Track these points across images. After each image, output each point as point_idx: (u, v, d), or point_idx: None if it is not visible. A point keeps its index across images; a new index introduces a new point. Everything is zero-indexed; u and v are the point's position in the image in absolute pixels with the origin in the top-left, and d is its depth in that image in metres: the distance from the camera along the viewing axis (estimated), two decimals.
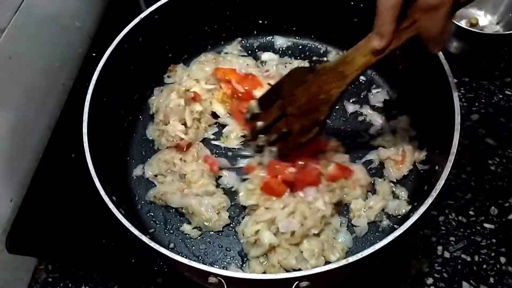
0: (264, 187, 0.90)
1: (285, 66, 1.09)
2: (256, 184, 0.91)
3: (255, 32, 1.16)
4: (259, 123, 0.90)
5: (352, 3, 1.03)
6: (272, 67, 1.08)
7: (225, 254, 0.90)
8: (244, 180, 0.95)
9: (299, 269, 0.83)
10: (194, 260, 0.71)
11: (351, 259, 0.69)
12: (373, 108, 1.05)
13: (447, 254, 0.96)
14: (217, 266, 0.88)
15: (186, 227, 0.93)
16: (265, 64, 1.11)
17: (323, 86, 0.80)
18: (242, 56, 1.13)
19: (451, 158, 0.78)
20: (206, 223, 0.91)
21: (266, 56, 1.14)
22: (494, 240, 0.97)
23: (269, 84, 1.00)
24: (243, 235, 0.89)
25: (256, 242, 0.87)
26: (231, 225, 0.92)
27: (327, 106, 0.81)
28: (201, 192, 0.92)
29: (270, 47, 1.16)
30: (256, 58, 1.13)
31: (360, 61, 0.76)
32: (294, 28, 1.15)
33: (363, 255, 0.69)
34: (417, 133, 0.98)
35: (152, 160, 0.99)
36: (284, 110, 0.86)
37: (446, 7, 0.66)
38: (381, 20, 0.71)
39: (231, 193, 0.95)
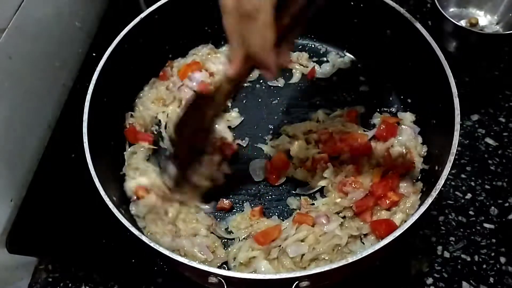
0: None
1: None
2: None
3: None
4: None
5: (352, 3, 1.03)
6: None
7: None
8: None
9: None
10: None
11: (351, 259, 0.69)
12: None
13: (447, 254, 0.96)
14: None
15: None
16: None
17: (205, 110, 0.81)
18: None
19: (451, 158, 0.78)
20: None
21: None
22: (494, 240, 0.97)
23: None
24: (234, 259, 0.87)
25: (248, 266, 0.86)
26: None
27: (203, 132, 0.86)
28: (193, 233, 0.90)
29: None
30: None
31: (225, 87, 0.77)
32: None
33: (363, 255, 0.70)
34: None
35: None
36: (181, 138, 0.87)
37: (265, 13, 0.59)
38: (230, 46, 0.68)
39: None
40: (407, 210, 0.89)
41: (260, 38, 0.62)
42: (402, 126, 0.99)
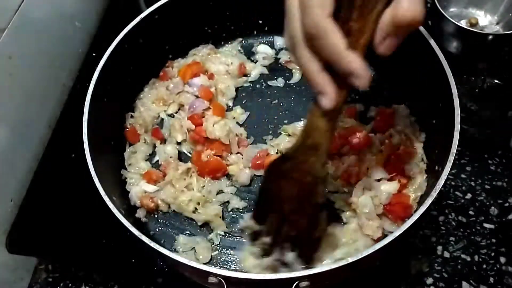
0: None
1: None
2: None
3: (255, 32, 1.16)
4: (266, 240, 0.79)
5: None
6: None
7: None
8: None
9: None
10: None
11: (351, 259, 0.69)
12: None
13: (447, 254, 0.96)
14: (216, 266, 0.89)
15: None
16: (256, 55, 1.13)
17: (304, 167, 0.70)
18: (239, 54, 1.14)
19: (451, 158, 0.78)
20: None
21: (261, 48, 1.15)
22: (494, 240, 0.97)
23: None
24: None
25: None
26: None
27: (320, 185, 0.72)
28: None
29: (270, 47, 1.16)
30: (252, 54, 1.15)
31: (322, 124, 0.67)
32: None
33: (363, 255, 0.69)
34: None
35: None
36: (281, 213, 0.75)
37: (323, 28, 0.58)
38: (315, 82, 0.63)
39: None
40: (415, 191, 0.88)
41: (331, 47, 0.59)
42: (398, 114, 0.99)
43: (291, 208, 0.74)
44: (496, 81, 1.16)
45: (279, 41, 1.16)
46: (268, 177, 0.77)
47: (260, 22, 1.14)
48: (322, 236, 0.78)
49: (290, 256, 0.77)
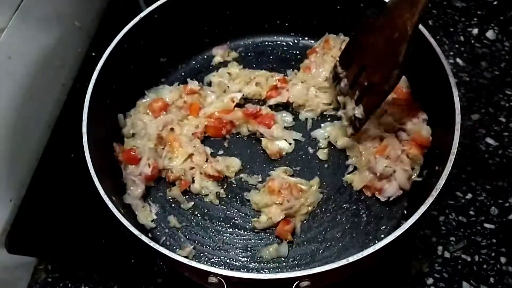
0: None
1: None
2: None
3: (257, 31, 1.16)
4: (342, 84, 0.88)
5: (361, 4, 1.02)
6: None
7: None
8: None
9: None
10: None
11: (351, 259, 0.69)
12: None
13: (447, 254, 0.96)
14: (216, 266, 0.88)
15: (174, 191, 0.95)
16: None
17: (396, 22, 0.77)
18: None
19: (451, 158, 0.78)
20: None
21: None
22: (494, 240, 0.97)
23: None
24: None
25: None
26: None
27: (404, 44, 0.77)
28: None
29: (273, 47, 1.16)
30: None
31: None
32: (297, 29, 1.15)
33: (363, 255, 0.69)
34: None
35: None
36: (363, 62, 0.83)
37: None
38: None
39: None
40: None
41: None
42: None
43: (373, 59, 0.81)
44: None
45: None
46: (363, 28, 0.83)
47: (261, 21, 1.14)
48: (390, 91, 0.83)
49: (357, 110, 0.87)
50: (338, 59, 0.89)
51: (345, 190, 0.95)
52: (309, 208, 0.92)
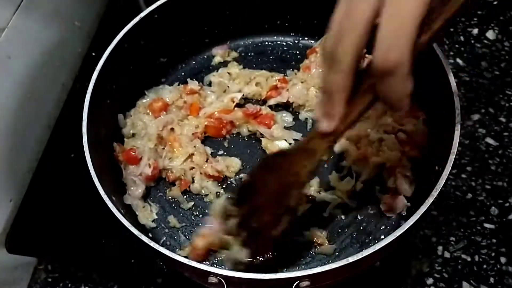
0: None
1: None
2: None
3: (257, 31, 1.16)
4: (230, 223, 0.79)
5: None
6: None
7: None
8: None
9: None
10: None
11: (351, 259, 0.69)
12: None
13: (447, 254, 0.96)
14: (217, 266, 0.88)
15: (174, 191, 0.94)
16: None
17: (293, 167, 0.72)
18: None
19: (451, 158, 0.77)
20: None
21: None
22: (494, 240, 0.97)
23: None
24: None
25: None
26: None
27: (297, 190, 0.74)
28: None
29: (273, 47, 1.16)
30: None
31: (322, 144, 0.69)
32: (297, 29, 1.15)
33: (363, 255, 0.69)
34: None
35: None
36: (256, 203, 0.76)
37: (404, 67, 0.54)
38: (331, 102, 0.61)
39: None
40: None
41: (398, 91, 0.57)
42: None
43: (266, 200, 0.75)
44: None
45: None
46: (258, 167, 0.78)
47: (261, 21, 1.14)
48: (276, 237, 0.76)
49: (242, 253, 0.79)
50: (231, 196, 0.81)
51: None
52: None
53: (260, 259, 0.84)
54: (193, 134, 0.99)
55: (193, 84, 1.06)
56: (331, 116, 0.62)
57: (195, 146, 0.97)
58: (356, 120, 0.64)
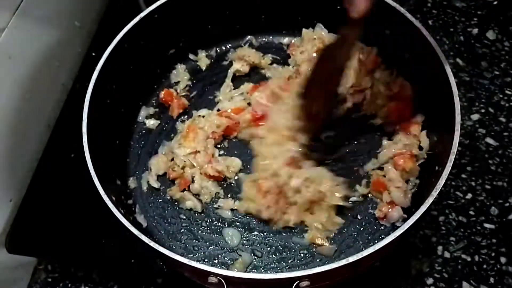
0: None
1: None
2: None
3: (257, 31, 1.16)
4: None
5: None
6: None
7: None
8: None
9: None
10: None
11: (351, 259, 0.69)
12: None
13: (447, 254, 0.96)
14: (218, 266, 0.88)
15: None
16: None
17: (336, 57, 0.85)
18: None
19: (451, 158, 0.78)
20: None
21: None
22: (494, 240, 0.97)
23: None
24: None
25: None
26: None
27: (340, 75, 0.89)
28: None
29: (273, 46, 1.16)
30: None
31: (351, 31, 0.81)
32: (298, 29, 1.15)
33: (363, 255, 0.69)
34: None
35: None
36: (312, 92, 0.91)
37: None
38: None
39: None
40: None
41: None
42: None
43: (318, 89, 0.90)
44: None
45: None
46: (319, 59, 0.90)
47: (262, 21, 1.14)
48: (324, 117, 0.96)
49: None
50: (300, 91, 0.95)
51: None
52: None
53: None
54: (212, 132, 1.00)
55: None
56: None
57: (205, 146, 0.98)
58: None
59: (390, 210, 0.89)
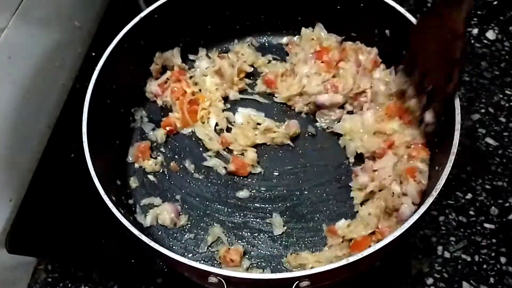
0: None
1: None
2: None
3: (257, 31, 1.16)
4: (409, 92, 0.89)
5: (361, 4, 1.02)
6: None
7: None
8: None
9: None
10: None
11: (351, 259, 0.69)
12: None
13: (447, 254, 0.96)
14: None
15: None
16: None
17: (445, 22, 0.79)
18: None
19: (451, 158, 0.78)
20: None
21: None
22: (494, 240, 0.97)
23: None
24: None
25: None
26: None
27: (458, 41, 0.80)
28: None
29: (272, 46, 1.16)
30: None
31: None
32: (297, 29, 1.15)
33: (363, 255, 0.69)
34: None
35: None
36: (423, 67, 0.84)
37: None
38: None
39: None
40: None
41: None
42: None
43: (430, 64, 0.83)
44: None
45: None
46: (414, 33, 0.86)
47: (262, 20, 1.14)
48: (455, 91, 0.83)
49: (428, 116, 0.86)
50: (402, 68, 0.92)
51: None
52: None
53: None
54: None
55: None
56: None
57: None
58: None
59: (403, 206, 0.86)
